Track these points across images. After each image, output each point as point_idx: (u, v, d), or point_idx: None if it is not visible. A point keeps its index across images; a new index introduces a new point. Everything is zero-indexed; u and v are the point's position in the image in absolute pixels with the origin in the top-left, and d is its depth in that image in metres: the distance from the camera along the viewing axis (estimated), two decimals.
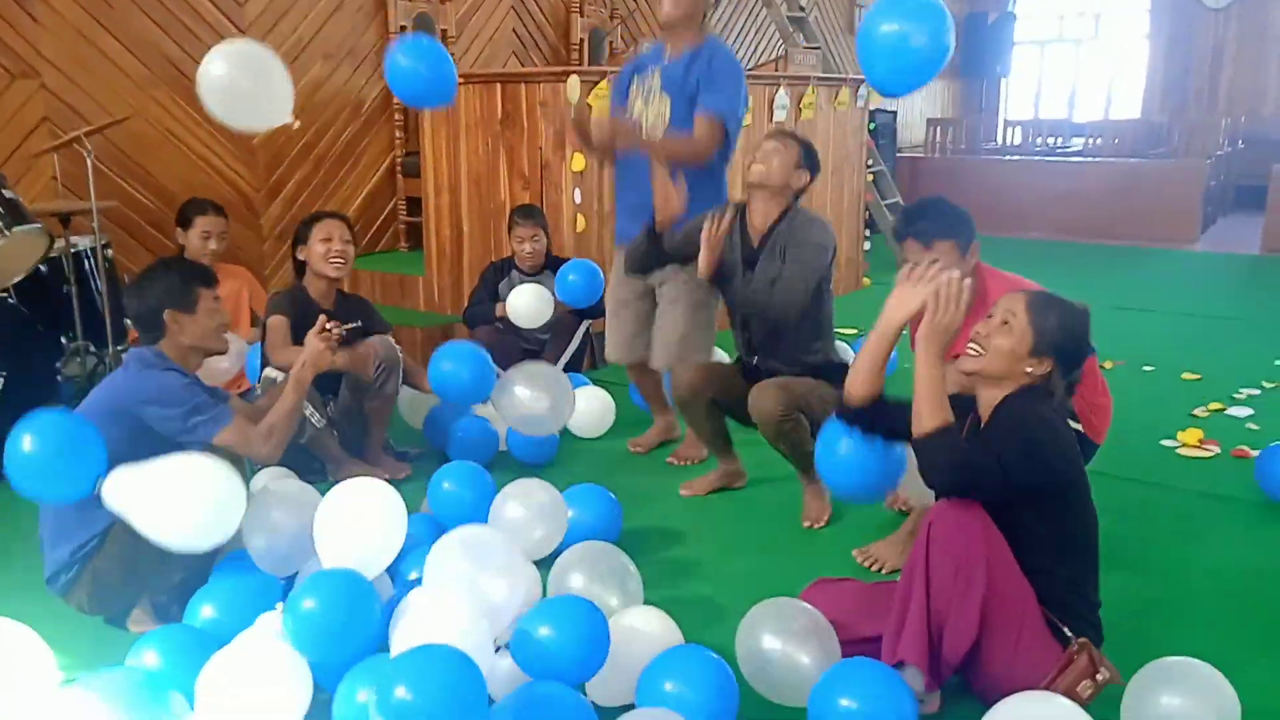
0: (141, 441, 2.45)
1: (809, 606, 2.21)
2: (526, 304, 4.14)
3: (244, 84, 2.89)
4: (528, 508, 2.78)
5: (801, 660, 2.09)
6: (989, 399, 2.12)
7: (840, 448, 2.52)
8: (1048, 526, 2.06)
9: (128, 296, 2.68)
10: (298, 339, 3.34)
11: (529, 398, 3.35)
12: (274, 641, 2.06)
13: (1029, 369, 2.07)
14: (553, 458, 3.72)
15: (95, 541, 2.48)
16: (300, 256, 3.56)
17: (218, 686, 1.97)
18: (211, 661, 2.01)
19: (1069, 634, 2.01)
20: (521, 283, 4.33)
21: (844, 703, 1.90)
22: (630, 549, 2.64)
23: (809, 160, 3.23)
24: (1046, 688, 1.91)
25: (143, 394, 2.49)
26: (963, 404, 2.18)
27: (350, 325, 3.55)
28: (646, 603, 2.43)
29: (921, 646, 1.97)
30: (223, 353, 2.74)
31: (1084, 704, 1.88)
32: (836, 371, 3.03)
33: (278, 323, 3.46)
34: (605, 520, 2.95)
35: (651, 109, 3.49)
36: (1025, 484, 1.99)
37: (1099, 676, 1.93)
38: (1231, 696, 1.97)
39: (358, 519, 2.29)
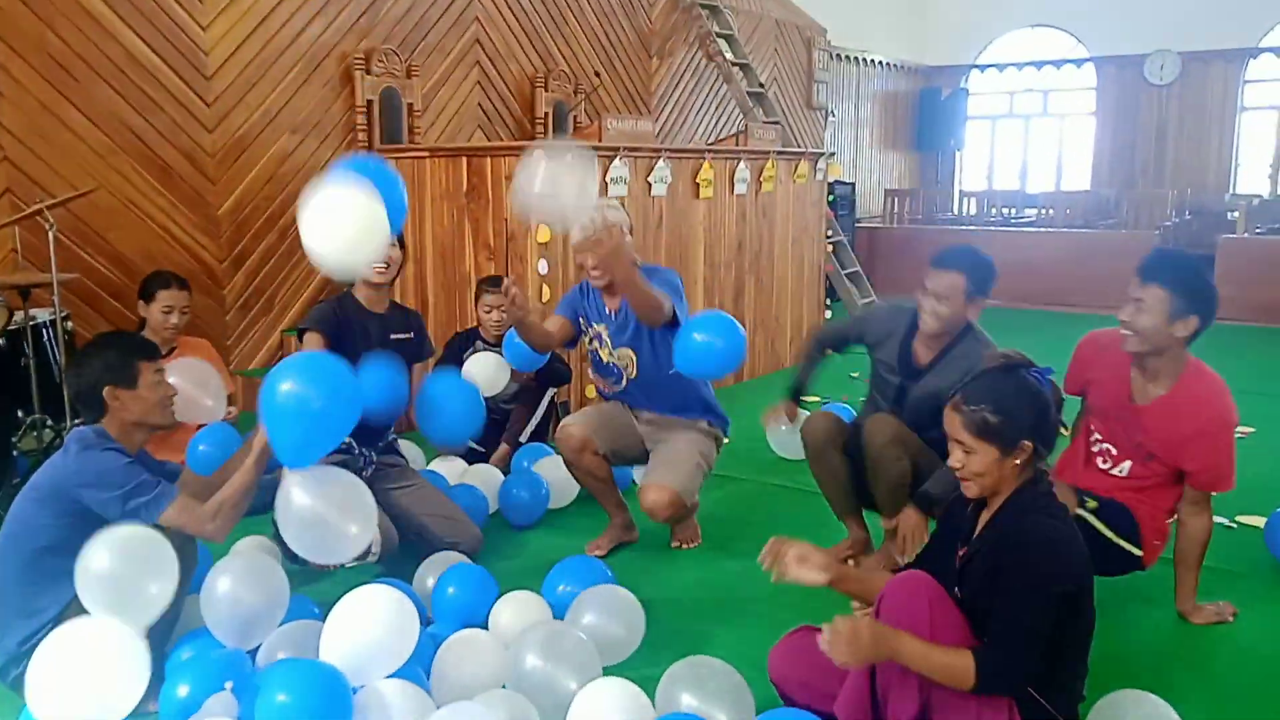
0: (83, 527, 2.38)
1: (727, 668, 2.30)
2: (482, 371, 4.14)
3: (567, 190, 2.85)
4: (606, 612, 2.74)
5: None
6: (993, 504, 2.11)
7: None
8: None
9: (68, 375, 2.59)
10: (341, 352, 2.98)
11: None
12: None
13: (1016, 463, 2.05)
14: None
15: (46, 630, 2.37)
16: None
17: None
18: None
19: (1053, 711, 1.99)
20: (485, 351, 4.35)
21: None
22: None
23: (979, 286, 3.12)
24: None
25: (81, 477, 2.40)
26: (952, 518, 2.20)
27: (400, 336, 3.42)
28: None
29: (863, 713, 1.96)
30: (168, 427, 2.66)
31: None
32: None
33: (312, 342, 3.23)
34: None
35: (618, 357, 3.56)
36: (1036, 620, 1.93)
37: None
38: None
39: (369, 629, 2.27)
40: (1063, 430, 2.15)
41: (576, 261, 3.51)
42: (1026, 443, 2.04)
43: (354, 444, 3.31)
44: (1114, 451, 2.96)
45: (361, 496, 2.45)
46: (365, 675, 2.24)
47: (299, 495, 2.35)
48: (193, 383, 3.18)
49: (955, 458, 2.08)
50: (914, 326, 3.22)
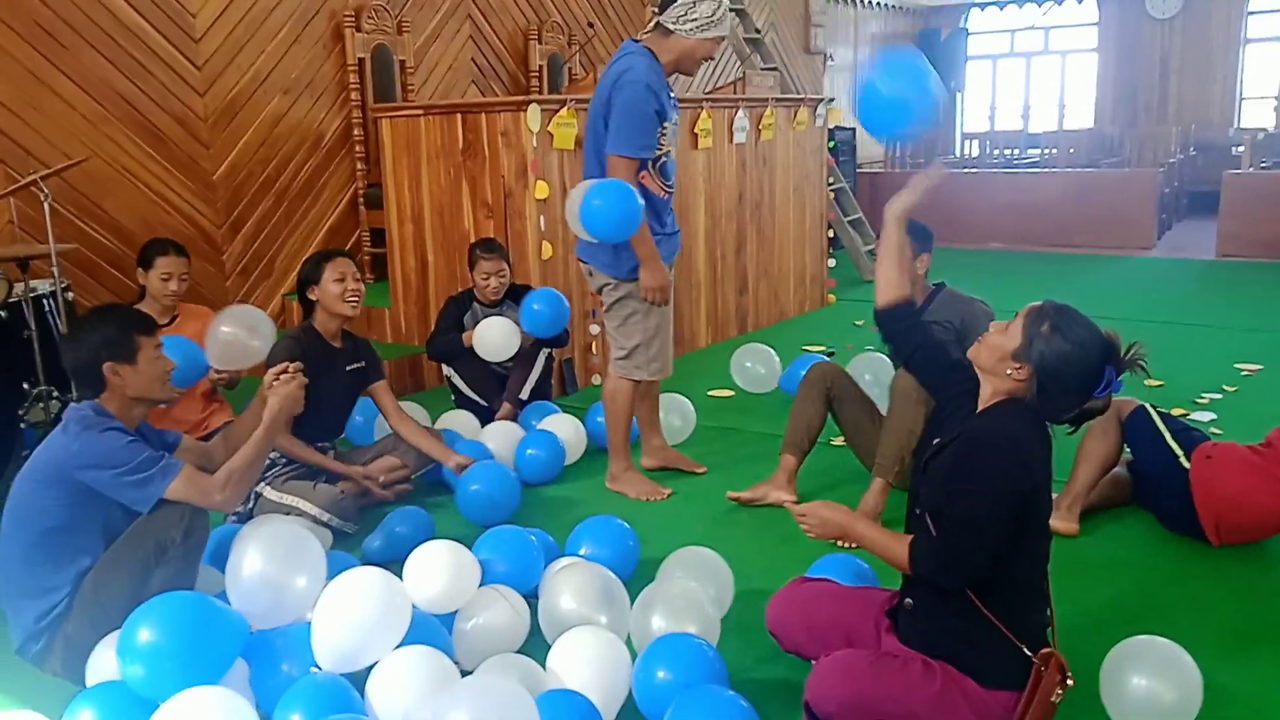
0: (89, 506, 2.40)
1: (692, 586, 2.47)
2: (494, 339, 4.13)
3: None
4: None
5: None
6: (983, 397, 2.11)
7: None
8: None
9: (65, 349, 2.55)
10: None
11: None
12: (215, 694, 2.03)
13: (1009, 371, 2.02)
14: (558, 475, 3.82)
15: (61, 606, 2.41)
16: (312, 297, 3.51)
17: None
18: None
19: (1028, 653, 1.97)
20: (484, 315, 4.33)
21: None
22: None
23: (921, 243, 3.28)
24: (1023, 714, 1.92)
25: (83, 458, 2.37)
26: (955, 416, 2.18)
27: (355, 367, 3.60)
28: None
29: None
30: (169, 401, 2.65)
31: (1055, 709, 1.91)
32: None
33: None
34: (623, 553, 2.91)
35: (674, 149, 3.52)
36: (983, 514, 1.94)
37: (1070, 681, 1.94)
38: (1194, 671, 2.13)
39: (357, 611, 2.24)
40: (1068, 431, 2.14)
41: (708, 48, 3.37)
42: (1027, 371, 2.00)
43: (309, 442, 3.47)
44: None
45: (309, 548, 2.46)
46: (360, 660, 2.23)
47: (251, 558, 2.36)
48: (244, 328, 3.33)
49: (999, 323, 2.12)
50: None
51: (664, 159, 3.43)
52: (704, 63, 3.44)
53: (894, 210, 2.40)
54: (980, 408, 2.10)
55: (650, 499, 3.60)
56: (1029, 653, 1.96)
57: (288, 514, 3.20)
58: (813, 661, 2.23)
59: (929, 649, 2.03)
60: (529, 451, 3.80)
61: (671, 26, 3.31)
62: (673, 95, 3.47)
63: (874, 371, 4.29)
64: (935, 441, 2.14)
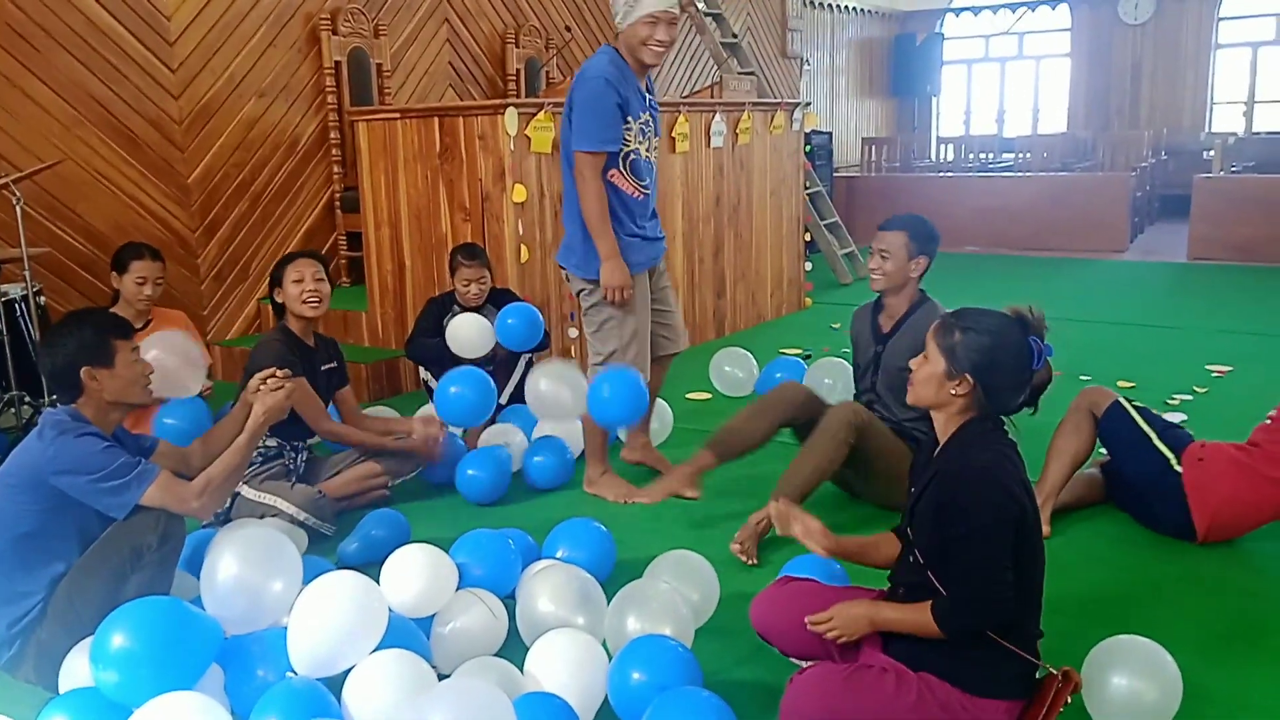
0: (63, 511, 2.38)
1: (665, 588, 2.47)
2: (467, 335, 4.12)
3: None
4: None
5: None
6: (940, 429, 2.10)
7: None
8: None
9: (41, 355, 2.52)
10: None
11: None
12: (190, 699, 2.01)
13: (952, 392, 2.02)
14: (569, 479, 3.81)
15: (34, 612, 2.39)
16: (278, 299, 3.52)
17: None
18: None
19: (1051, 669, 1.99)
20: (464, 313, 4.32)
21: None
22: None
23: (923, 245, 3.29)
24: None
25: (58, 464, 2.35)
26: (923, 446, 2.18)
27: (329, 367, 3.61)
28: None
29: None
30: (146, 405, 2.63)
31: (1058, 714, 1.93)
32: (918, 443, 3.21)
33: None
34: (600, 555, 2.92)
35: (650, 147, 3.51)
36: (985, 554, 1.93)
37: (1081, 691, 1.96)
38: (1174, 671, 2.16)
39: (334, 615, 2.22)
40: (1030, 412, 2.12)
41: (643, 31, 3.29)
42: (969, 379, 2.00)
43: (283, 443, 3.46)
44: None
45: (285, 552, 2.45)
46: (337, 665, 2.22)
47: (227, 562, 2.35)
48: (176, 355, 3.19)
49: (916, 359, 2.10)
50: (879, 305, 3.44)
51: (633, 156, 3.42)
52: (656, 47, 3.32)
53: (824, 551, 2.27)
54: (941, 443, 2.08)
55: (628, 501, 3.60)
56: (1052, 669, 1.97)
57: (262, 516, 3.19)
58: (798, 662, 2.24)
59: (914, 656, 2.01)
60: (536, 459, 3.79)
61: (616, 24, 3.38)
62: (646, 94, 3.47)
63: (834, 377, 4.35)
64: (911, 490, 2.14)
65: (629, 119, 3.37)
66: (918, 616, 1.99)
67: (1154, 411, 3.29)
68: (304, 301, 3.45)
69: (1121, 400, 3.25)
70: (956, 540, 1.94)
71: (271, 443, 3.42)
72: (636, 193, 3.47)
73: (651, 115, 3.50)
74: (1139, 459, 3.18)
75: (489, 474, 3.60)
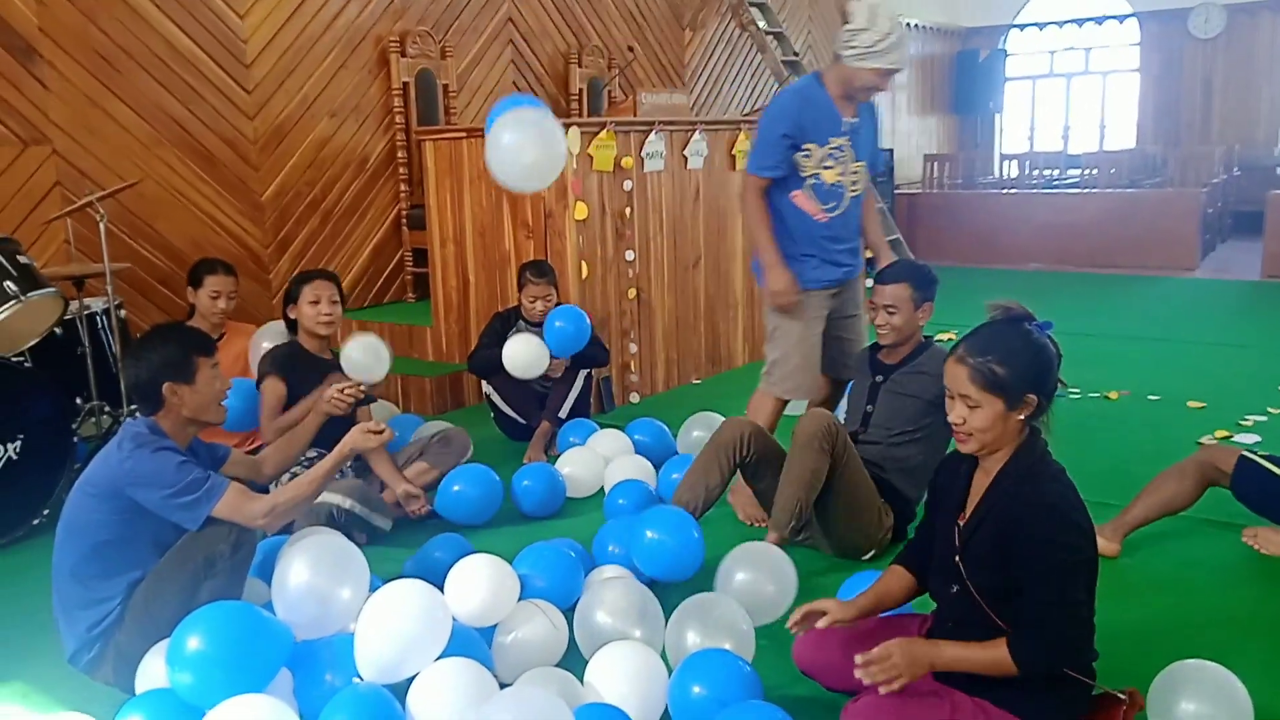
0: (139, 520, 2.45)
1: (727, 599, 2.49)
2: (523, 356, 4.16)
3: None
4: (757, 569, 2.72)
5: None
6: (989, 466, 2.04)
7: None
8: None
9: (126, 367, 2.60)
10: (299, 394, 3.49)
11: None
12: (260, 701, 2.07)
13: (1021, 417, 1.98)
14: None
15: (113, 617, 2.46)
16: (291, 315, 3.66)
17: None
18: None
19: (1120, 695, 1.97)
20: (527, 331, 4.38)
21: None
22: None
23: (926, 292, 3.24)
24: None
25: (134, 476, 2.42)
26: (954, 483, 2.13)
27: (358, 384, 3.63)
28: None
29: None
30: (220, 423, 2.69)
31: None
32: (893, 496, 3.22)
33: (271, 388, 3.53)
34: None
35: (844, 172, 3.51)
36: (1067, 593, 1.90)
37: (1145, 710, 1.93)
38: (1245, 697, 2.10)
39: (399, 623, 2.27)
40: (1062, 384, 2.05)
41: (870, 78, 3.37)
42: (1031, 396, 1.96)
43: (322, 452, 3.43)
44: None
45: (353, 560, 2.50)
46: (401, 671, 2.26)
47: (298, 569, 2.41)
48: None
49: (956, 413, 2.00)
50: (876, 345, 3.40)
51: (813, 180, 3.49)
52: (873, 91, 3.43)
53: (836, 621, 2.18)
54: (995, 471, 2.02)
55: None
56: (1117, 692, 1.95)
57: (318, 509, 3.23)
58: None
59: (969, 682, 1.98)
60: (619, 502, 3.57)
61: (838, 52, 3.41)
62: (849, 119, 3.47)
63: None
64: (963, 523, 2.06)
65: (808, 145, 3.45)
66: (987, 655, 1.93)
67: (1224, 439, 3.20)
68: (318, 322, 3.60)
69: (1246, 454, 3.10)
70: (1032, 580, 1.91)
71: (312, 453, 3.40)
72: (820, 215, 3.52)
73: (853, 140, 3.50)
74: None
75: (541, 486, 3.64)
